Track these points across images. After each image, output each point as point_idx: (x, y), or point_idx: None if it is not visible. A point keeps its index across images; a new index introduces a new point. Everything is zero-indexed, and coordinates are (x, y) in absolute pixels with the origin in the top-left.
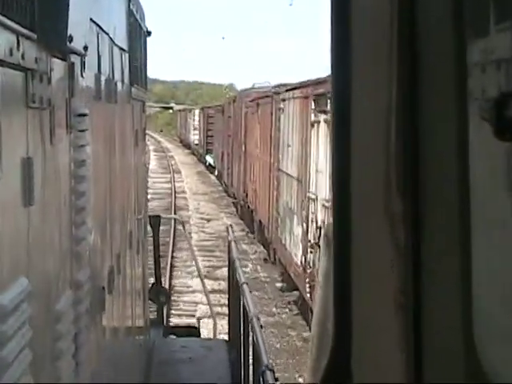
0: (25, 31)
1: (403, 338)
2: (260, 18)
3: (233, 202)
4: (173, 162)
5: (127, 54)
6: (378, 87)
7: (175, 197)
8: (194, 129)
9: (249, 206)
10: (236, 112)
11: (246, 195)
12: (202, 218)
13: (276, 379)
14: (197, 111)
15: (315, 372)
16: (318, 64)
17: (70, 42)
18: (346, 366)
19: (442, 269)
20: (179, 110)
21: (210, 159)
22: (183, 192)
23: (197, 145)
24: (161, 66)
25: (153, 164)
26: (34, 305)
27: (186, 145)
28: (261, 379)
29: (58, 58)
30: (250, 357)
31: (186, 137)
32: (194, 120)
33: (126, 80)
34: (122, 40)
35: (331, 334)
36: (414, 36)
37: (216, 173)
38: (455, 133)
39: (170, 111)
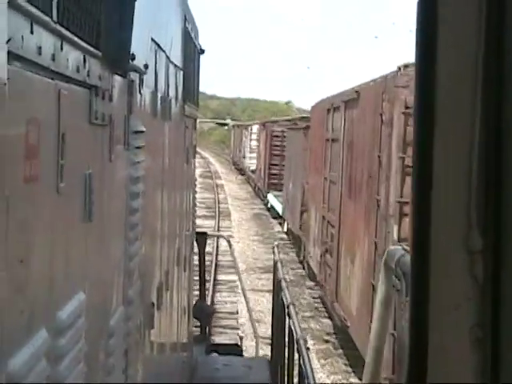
0: (91, 49)
1: (480, 373)
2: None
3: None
4: (221, 197)
5: (181, 72)
6: (462, 113)
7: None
8: (251, 151)
9: None
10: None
11: None
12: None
13: None
14: (255, 128)
15: None
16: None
17: (132, 61)
18: None
19: None
20: (233, 126)
21: (274, 202)
22: (229, 268)
23: (253, 172)
24: (218, 82)
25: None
26: (89, 319)
27: (240, 169)
28: None
29: (119, 75)
30: (295, 378)
31: (241, 161)
32: (250, 139)
33: (180, 97)
34: (177, 58)
35: (406, 367)
36: (501, 54)
37: (285, 228)
38: None
39: (225, 127)
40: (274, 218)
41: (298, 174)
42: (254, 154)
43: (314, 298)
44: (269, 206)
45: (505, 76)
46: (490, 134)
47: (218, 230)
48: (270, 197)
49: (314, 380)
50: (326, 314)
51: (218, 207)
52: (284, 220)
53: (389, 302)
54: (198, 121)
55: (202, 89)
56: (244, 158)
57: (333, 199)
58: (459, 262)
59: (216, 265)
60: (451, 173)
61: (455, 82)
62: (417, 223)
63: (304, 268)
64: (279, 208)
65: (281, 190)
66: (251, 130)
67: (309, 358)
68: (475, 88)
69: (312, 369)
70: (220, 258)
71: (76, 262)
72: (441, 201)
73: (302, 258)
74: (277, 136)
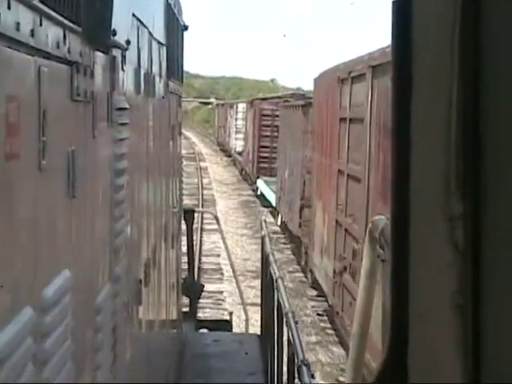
0: (71, 25)
1: (461, 340)
2: (299, 12)
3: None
4: (205, 181)
5: (165, 48)
6: (438, 86)
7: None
8: (237, 131)
9: None
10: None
11: None
12: None
13: (312, 375)
14: (241, 106)
15: (357, 369)
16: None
17: (114, 36)
18: (401, 367)
19: (503, 270)
20: (217, 105)
21: (264, 189)
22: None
23: (240, 154)
24: (201, 61)
25: None
26: (75, 297)
27: (225, 150)
28: (296, 374)
29: (100, 51)
30: (285, 352)
31: (226, 141)
32: (235, 119)
33: (164, 74)
34: (160, 34)
35: (388, 335)
36: (477, 24)
37: (279, 221)
38: None
39: (209, 106)
40: (265, 206)
41: (296, 160)
42: (240, 135)
43: (319, 314)
44: (258, 192)
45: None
46: (468, 98)
47: (202, 223)
48: (260, 183)
49: (303, 353)
50: (336, 339)
51: (202, 194)
52: (278, 212)
53: (374, 272)
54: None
55: (185, 68)
56: (229, 138)
57: (354, 201)
58: (439, 229)
59: (201, 242)
60: (429, 138)
61: (431, 43)
62: (395, 190)
63: (305, 274)
64: (272, 197)
65: (271, 176)
66: (236, 108)
67: (297, 331)
68: (452, 51)
69: (301, 342)
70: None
71: (60, 240)
72: (419, 167)
73: (303, 263)
74: (266, 115)
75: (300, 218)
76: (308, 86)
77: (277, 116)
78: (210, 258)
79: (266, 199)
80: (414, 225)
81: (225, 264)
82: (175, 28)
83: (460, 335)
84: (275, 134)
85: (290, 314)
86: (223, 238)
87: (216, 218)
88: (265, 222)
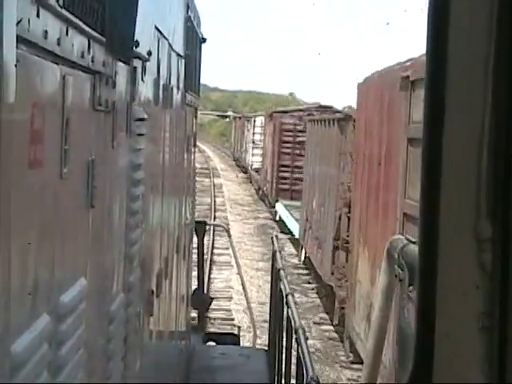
0: (95, 34)
1: (486, 361)
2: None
3: None
4: (219, 201)
5: (183, 60)
6: (471, 105)
7: None
8: (254, 147)
9: None
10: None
11: None
12: None
13: None
14: (258, 120)
15: None
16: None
17: (136, 47)
18: None
19: None
20: (234, 118)
21: (284, 215)
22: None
23: (257, 171)
24: (220, 75)
25: None
26: (90, 305)
27: (241, 166)
28: None
29: (122, 61)
30: (293, 368)
31: (242, 157)
32: (253, 134)
33: (181, 86)
34: (179, 46)
35: (413, 355)
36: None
37: (303, 256)
38: None
39: (227, 120)
40: (284, 232)
41: (328, 187)
42: (258, 151)
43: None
44: (277, 217)
45: None
46: (500, 123)
47: (212, 253)
48: (280, 208)
49: (313, 369)
50: None
51: (214, 216)
52: (302, 246)
53: (390, 292)
54: (199, 113)
55: (203, 81)
56: (246, 154)
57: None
58: (467, 250)
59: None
60: (461, 162)
61: (465, 74)
62: (425, 211)
63: (342, 341)
64: (293, 225)
65: (292, 199)
66: (254, 122)
67: (307, 347)
68: (486, 81)
69: (311, 358)
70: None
71: (78, 248)
72: (450, 189)
73: (335, 321)
74: (288, 130)
75: (333, 262)
76: (326, 101)
77: (299, 131)
78: (220, 303)
79: (285, 226)
80: (443, 246)
81: (237, 310)
82: (194, 40)
83: (485, 357)
84: (297, 151)
85: (300, 330)
86: (235, 257)
87: (227, 232)
88: (276, 237)
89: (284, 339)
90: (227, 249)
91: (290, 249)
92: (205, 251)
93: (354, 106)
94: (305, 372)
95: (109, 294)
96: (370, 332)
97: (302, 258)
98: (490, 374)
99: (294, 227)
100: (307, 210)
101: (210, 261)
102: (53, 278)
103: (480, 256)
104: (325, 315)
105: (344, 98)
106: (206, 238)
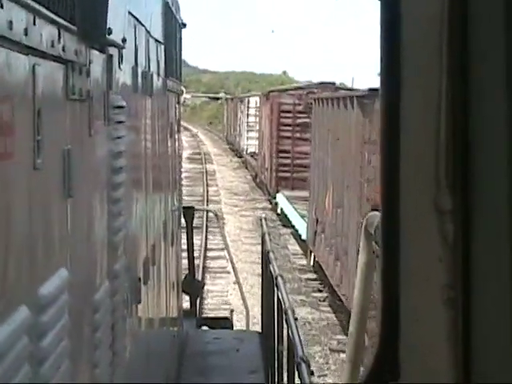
0: (65, 23)
1: (452, 334)
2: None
3: None
4: (212, 191)
5: (163, 46)
6: (427, 83)
7: None
8: (249, 130)
9: None
10: None
11: None
12: None
13: (311, 372)
14: (253, 100)
15: (354, 368)
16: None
17: (109, 35)
18: (392, 363)
19: (492, 264)
20: (226, 100)
21: (287, 208)
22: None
23: (252, 155)
24: (210, 56)
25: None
26: (73, 295)
27: (235, 150)
28: (295, 371)
29: (96, 50)
30: (285, 349)
31: (236, 141)
32: (247, 115)
33: (162, 72)
34: (157, 32)
35: (378, 331)
36: (464, 30)
37: (312, 261)
38: (506, 129)
39: (219, 102)
40: (286, 226)
41: (347, 184)
42: (254, 134)
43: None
44: (278, 210)
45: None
46: (457, 95)
47: (205, 257)
48: (281, 199)
49: (303, 350)
50: None
51: (207, 211)
52: (310, 251)
53: (370, 269)
54: (190, 95)
55: (194, 63)
56: (240, 137)
57: None
58: (429, 223)
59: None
60: (419, 136)
61: (422, 53)
62: (385, 186)
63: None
64: (298, 223)
65: (294, 188)
66: (248, 103)
67: (297, 328)
68: (441, 60)
69: (300, 339)
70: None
71: (57, 239)
72: (409, 164)
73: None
74: (287, 111)
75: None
76: (318, 79)
77: (300, 112)
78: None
79: (288, 220)
80: (404, 220)
81: None
82: (173, 26)
83: (450, 328)
84: (297, 134)
85: (289, 311)
86: (225, 239)
87: (216, 216)
88: (265, 219)
89: (276, 321)
90: (222, 250)
91: (294, 247)
92: (195, 255)
93: (349, 84)
94: (295, 352)
95: (92, 283)
96: (352, 310)
97: (311, 261)
98: (455, 345)
99: (299, 223)
100: (317, 209)
101: (203, 268)
102: (30, 270)
103: (442, 229)
104: (344, 337)
105: (341, 76)
106: (197, 238)
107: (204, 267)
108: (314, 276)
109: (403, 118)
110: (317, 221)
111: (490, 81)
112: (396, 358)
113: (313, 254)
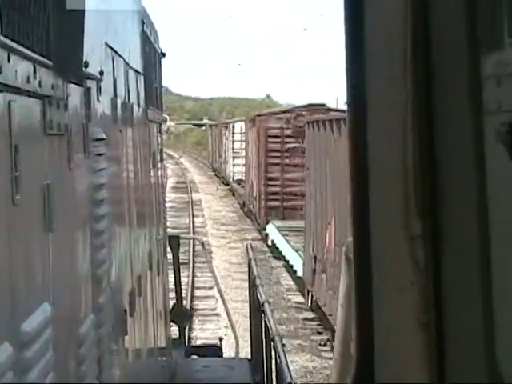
0: (41, 59)
1: (426, 356)
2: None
3: None
4: (199, 221)
5: (142, 77)
6: (393, 106)
7: None
8: (235, 157)
9: None
10: None
11: None
12: None
13: None
14: (238, 126)
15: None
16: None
17: (86, 68)
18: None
19: (463, 287)
20: (210, 126)
21: (278, 240)
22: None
23: (239, 182)
24: (193, 84)
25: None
26: (57, 330)
27: (221, 177)
28: None
29: (74, 83)
30: (273, 376)
31: (222, 168)
32: (232, 141)
33: (142, 102)
34: (136, 62)
35: (355, 352)
36: (428, 51)
37: (310, 301)
38: (472, 152)
39: (203, 128)
40: (276, 257)
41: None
42: (240, 160)
43: None
44: (269, 242)
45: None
46: (422, 122)
47: (192, 297)
48: (272, 230)
49: (291, 375)
50: None
51: (193, 245)
52: (308, 291)
53: (351, 292)
54: (173, 123)
55: (177, 90)
56: (226, 164)
57: None
58: (400, 248)
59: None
60: (388, 160)
61: (386, 73)
62: (356, 212)
63: None
64: (291, 256)
65: (285, 218)
66: (233, 128)
67: (284, 354)
68: (405, 85)
69: (288, 364)
70: None
71: (38, 274)
72: (378, 189)
73: None
74: (274, 136)
75: None
76: (302, 101)
77: (288, 136)
78: None
79: (279, 252)
80: (376, 245)
81: None
82: (152, 56)
83: (424, 351)
84: (286, 161)
85: (276, 338)
86: (211, 268)
87: (202, 244)
88: (251, 246)
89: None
90: (211, 289)
91: (287, 281)
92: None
93: (333, 104)
94: (283, 379)
95: (77, 316)
96: (336, 334)
97: (309, 301)
98: (429, 368)
99: (292, 257)
100: (316, 245)
101: (190, 308)
102: (12, 306)
103: (413, 253)
104: None
105: (324, 97)
106: (184, 275)
107: (191, 308)
108: (312, 315)
109: (370, 142)
110: (315, 258)
111: (454, 106)
112: (372, 379)
113: (311, 294)
